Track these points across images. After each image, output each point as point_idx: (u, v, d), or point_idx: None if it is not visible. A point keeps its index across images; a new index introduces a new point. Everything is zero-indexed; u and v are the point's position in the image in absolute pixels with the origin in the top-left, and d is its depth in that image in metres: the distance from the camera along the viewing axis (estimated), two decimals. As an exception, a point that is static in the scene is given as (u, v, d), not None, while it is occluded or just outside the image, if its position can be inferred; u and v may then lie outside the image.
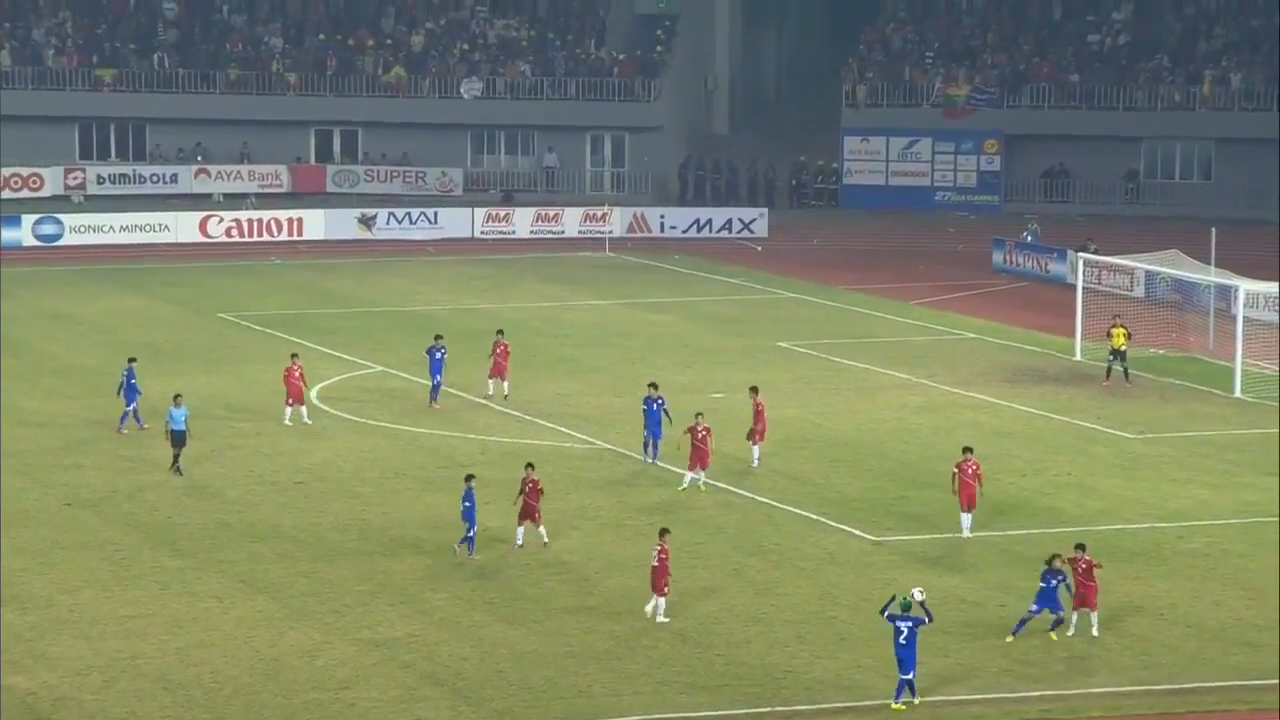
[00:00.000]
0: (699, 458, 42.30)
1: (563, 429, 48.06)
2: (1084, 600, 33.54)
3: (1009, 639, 33.41)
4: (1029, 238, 73.09)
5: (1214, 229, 57.86)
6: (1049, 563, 33.64)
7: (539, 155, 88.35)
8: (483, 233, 79.53)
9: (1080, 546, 33.98)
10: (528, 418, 49.11)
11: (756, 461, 44.17)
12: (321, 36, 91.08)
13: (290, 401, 47.52)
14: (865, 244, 78.87)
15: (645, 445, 44.84)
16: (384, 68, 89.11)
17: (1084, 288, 58.12)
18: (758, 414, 44.40)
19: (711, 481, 43.00)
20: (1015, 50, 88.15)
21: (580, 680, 31.97)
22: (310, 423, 47.63)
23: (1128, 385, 52.70)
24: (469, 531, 37.66)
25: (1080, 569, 33.58)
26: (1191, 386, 52.98)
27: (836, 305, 65.84)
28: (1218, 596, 35.93)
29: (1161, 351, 55.42)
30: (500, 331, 51.46)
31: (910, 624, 30.93)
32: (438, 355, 49.55)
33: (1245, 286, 54.10)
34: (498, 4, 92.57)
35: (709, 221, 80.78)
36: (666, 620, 34.35)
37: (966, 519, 39.19)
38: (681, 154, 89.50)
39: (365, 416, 48.82)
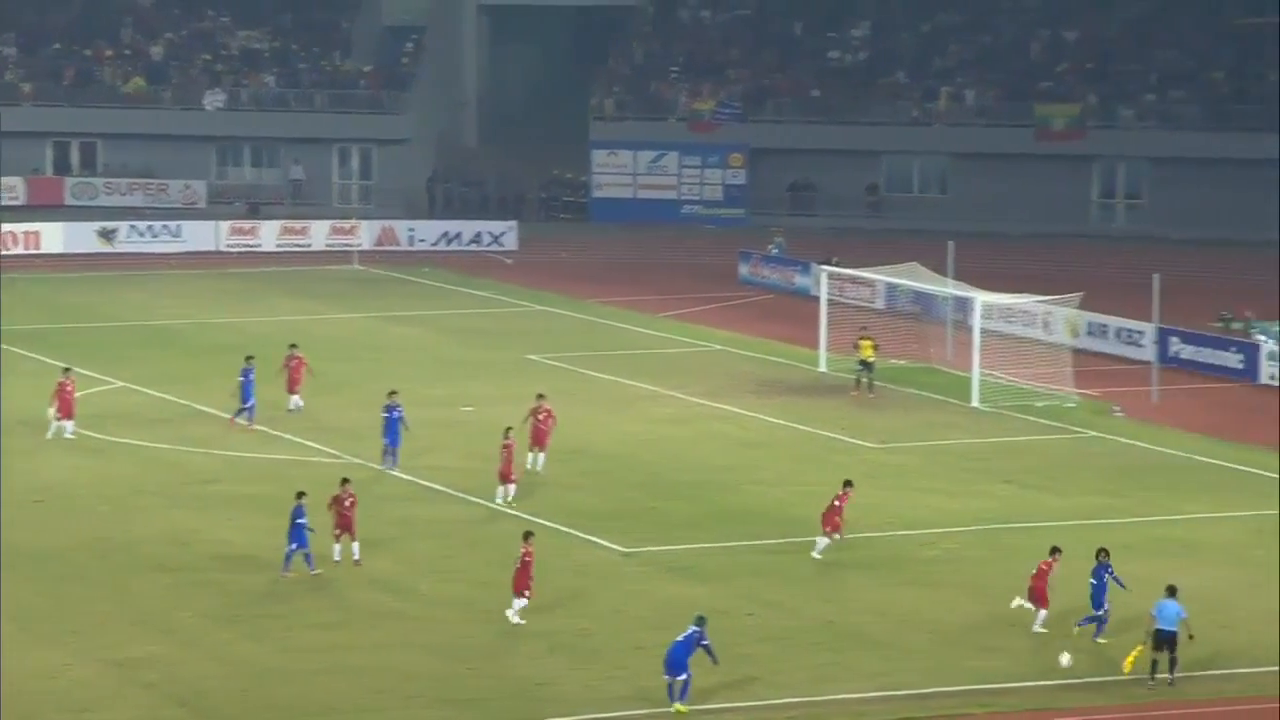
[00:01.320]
0: (505, 472, 42.43)
1: (310, 443, 47.71)
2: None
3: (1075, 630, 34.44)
4: (774, 250, 74.05)
5: (951, 242, 59.13)
6: (1098, 556, 34.61)
7: (285, 168, 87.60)
8: (228, 246, 78.62)
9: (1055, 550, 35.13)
10: (274, 433, 48.67)
11: (540, 467, 44.45)
12: (58, 46, 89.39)
13: (59, 417, 46.87)
14: (614, 257, 79.34)
15: (383, 453, 44.86)
16: (124, 78, 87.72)
17: (827, 300, 59.04)
18: (542, 422, 44.56)
19: (464, 495, 42.97)
20: (758, 65, 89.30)
21: (327, 697, 31.78)
22: (73, 438, 46.88)
23: (871, 396, 53.65)
24: (291, 547, 37.33)
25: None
26: (931, 396, 54.06)
27: (586, 318, 66.16)
28: (956, 602, 36.72)
29: (902, 362, 56.44)
30: (293, 345, 51.05)
31: (697, 632, 31.51)
32: (251, 376, 48.80)
33: (982, 298, 55.31)
34: (240, 15, 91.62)
35: (458, 234, 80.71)
36: (521, 622, 34.61)
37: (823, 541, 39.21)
38: (430, 167, 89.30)
39: (106, 433, 48.05)
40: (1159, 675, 32.50)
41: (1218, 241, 78.91)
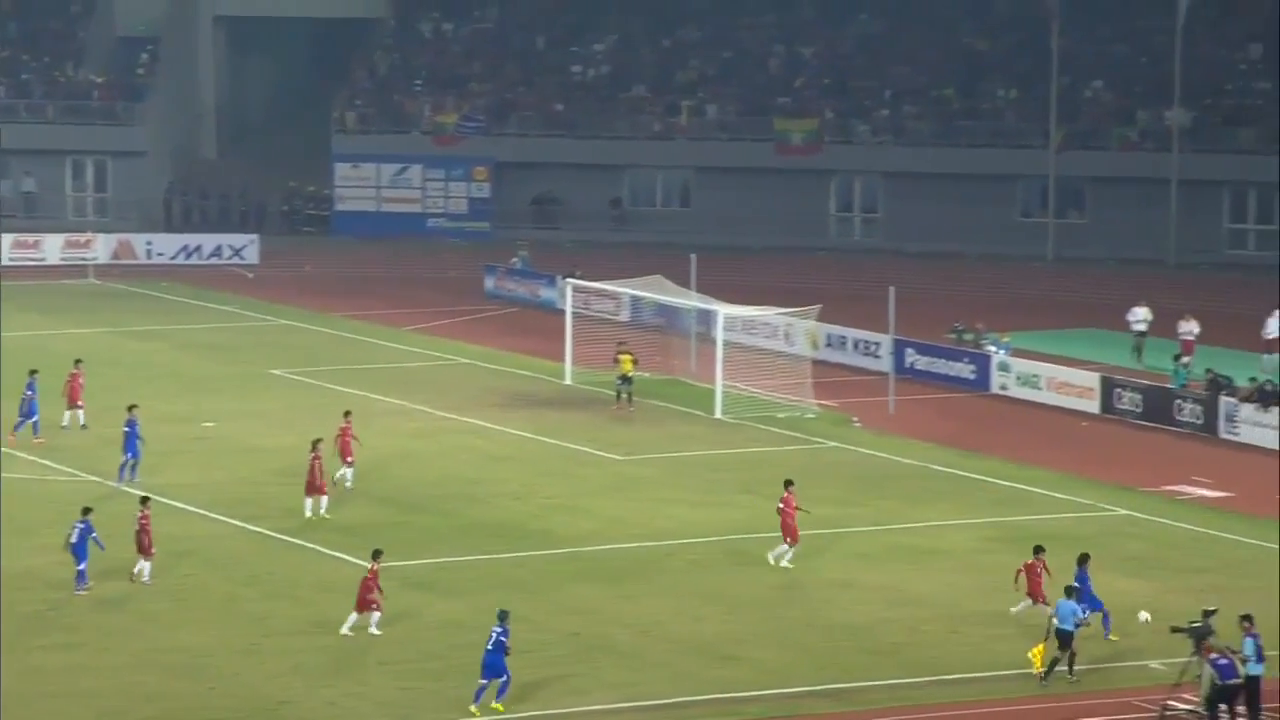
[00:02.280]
0: (314, 488, 42.56)
1: (46, 462, 46.86)
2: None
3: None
4: (519, 264, 74.25)
5: (694, 255, 59.78)
6: (1080, 563, 35.45)
7: (16, 180, 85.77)
8: (-41, 260, 76.87)
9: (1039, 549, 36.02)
10: (8, 450, 47.71)
11: (349, 481, 44.45)
12: None
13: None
14: (358, 270, 78.93)
15: (120, 467, 44.56)
16: None
17: (573, 313, 59.35)
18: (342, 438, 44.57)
19: (204, 513, 42.53)
20: (501, 79, 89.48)
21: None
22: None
23: (631, 409, 53.94)
24: (80, 566, 37.09)
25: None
26: (675, 408, 54.60)
27: (331, 332, 65.77)
28: (700, 612, 37.16)
29: (647, 375, 56.91)
30: (78, 361, 50.65)
31: (500, 630, 31.87)
32: (34, 389, 48.31)
33: (724, 311, 56.01)
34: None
35: (198, 248, 79.76)
36: (377, 632, 34.81)
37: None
38: (167, 179, 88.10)
39: None
40: (1059, 669, 33.43)
41: (950, 254, 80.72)
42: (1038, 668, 33.61)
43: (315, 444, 42.85)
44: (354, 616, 35.27)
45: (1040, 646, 33.71)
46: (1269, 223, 79.80)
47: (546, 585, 38.59)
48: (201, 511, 42.61)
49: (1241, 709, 31.56)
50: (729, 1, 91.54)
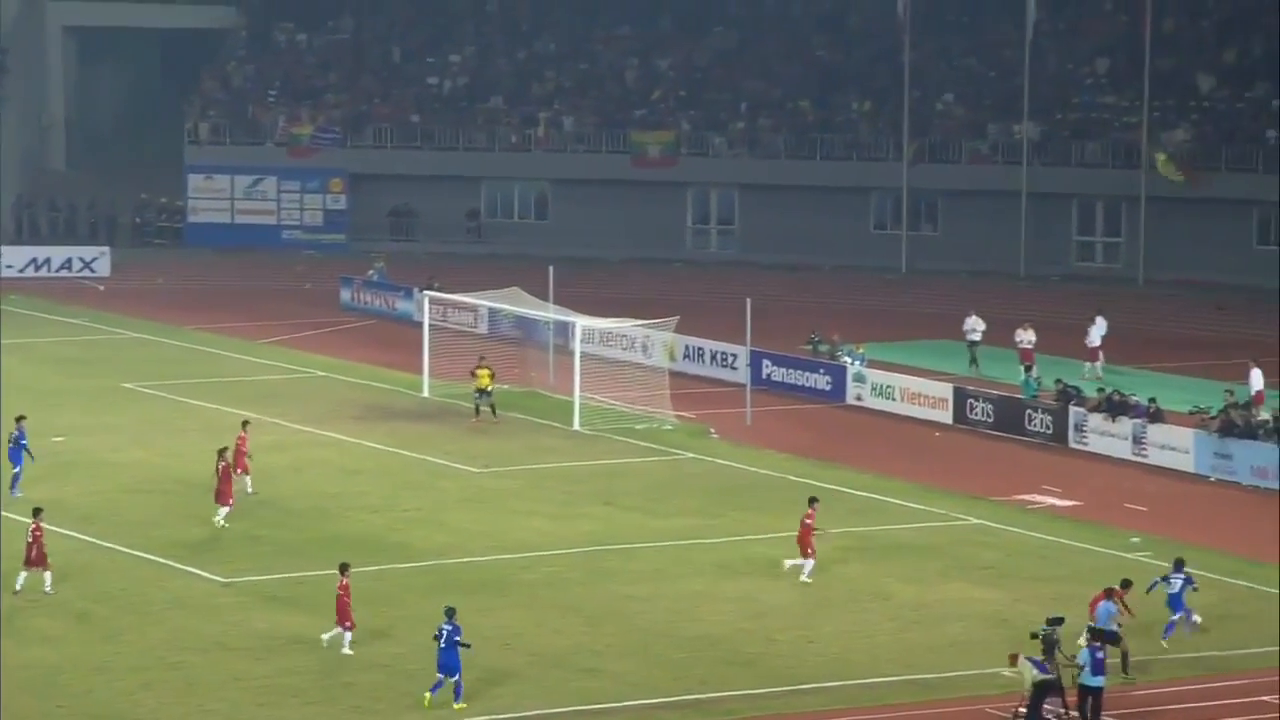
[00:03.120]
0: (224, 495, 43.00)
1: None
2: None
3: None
4: (375, 276, 73.94)
5: (551, 267, 59.85)
6: (1177, 565, 36.31)
7: None
8: None
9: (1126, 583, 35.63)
10: None
11: (249, 488, 44.70)
12: None
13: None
14: (212, 283, 78.29)
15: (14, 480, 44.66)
16: None
17: (430, 325, 59.21)
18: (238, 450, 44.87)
19: (52, 528, 42.02)
20: (357, 90, 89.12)
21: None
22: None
23: (495, 422, 53.78)
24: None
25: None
26: (534, 420, 54.58)
27: (184, 345, 65.19)
28: (559, 625, 37.20)
29: (506, 387, 56.85)
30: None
31: (450, 628, 32.37)
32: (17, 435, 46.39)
33: (581, 322, 56.10)
34: None
35: (47, 260, 78.77)
36: (350, 653, 34.56)
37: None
38: (15, 190, 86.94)
39: None
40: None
41: (806, 266, 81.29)
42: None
43: (221, 453, 43.28)
44: (336, 630, 35.16)
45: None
46: (1115, 235, 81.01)
47: (405, 598, 38.47)
48: (51, 527, 42.03)
49: (1062, 710, 31.98)
50: (585, 14, 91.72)
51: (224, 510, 43.06)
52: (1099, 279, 78.43)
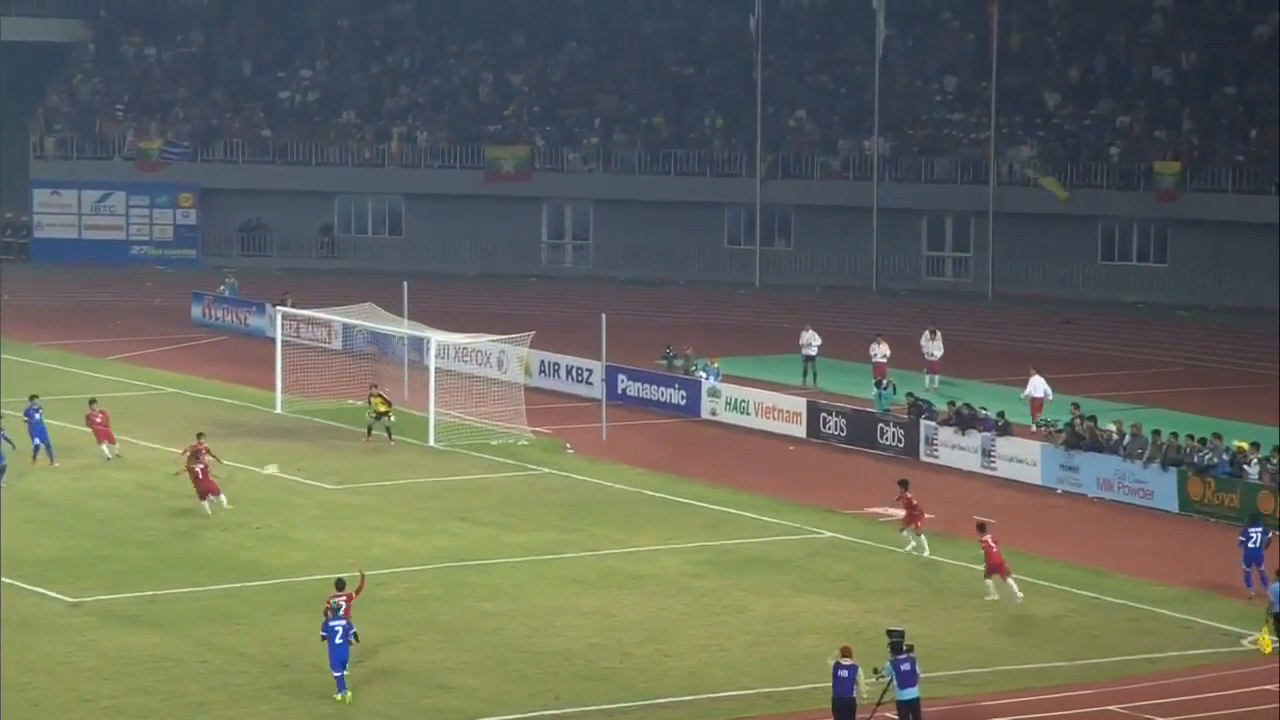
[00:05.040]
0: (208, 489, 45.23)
1: None
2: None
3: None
4: (227, 291, 73.38)
5: (406, 282, 59.63)
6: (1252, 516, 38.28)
7: None
8: None
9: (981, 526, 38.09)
10: None
11: (226, 503, 45.44)
12: None
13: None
14: (60, 299, 77.35)
15: (35, 451, 48.32)
16: None
17: (283, 340, 58.81)
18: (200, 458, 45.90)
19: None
20: (207, 104, 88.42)
21: None
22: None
23: (393, 444, 53.31)
24: None
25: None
26: (396, 438, 54.26)
27: (30, 361, 64.32)
28: (415, 641, 37.06)
29: (360, 403, 56.54)
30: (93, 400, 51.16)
31: (344, 624, 33.55)
32: (36, 415, 49.09)
33: (436, 338, 55.96)
34: None
35: (-113, 277, 77.54)
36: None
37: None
38: None
39: None
40: None
41: (661, 281, 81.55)
42: (1268, 652, 34.39)
43: (193, 454, 45.54)
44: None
45: (1265, 631, 34.58)
46: (965, 250, 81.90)
47: (257, 616, 38.17)
48: None
49: None
50: (438, 29, 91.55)
51: (217, 499, 45.16)
52: (949, 293, 79.27)
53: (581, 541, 44.34)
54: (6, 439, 48.58)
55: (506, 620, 38.37)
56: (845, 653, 31.87)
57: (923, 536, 43.18)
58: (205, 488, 45.56)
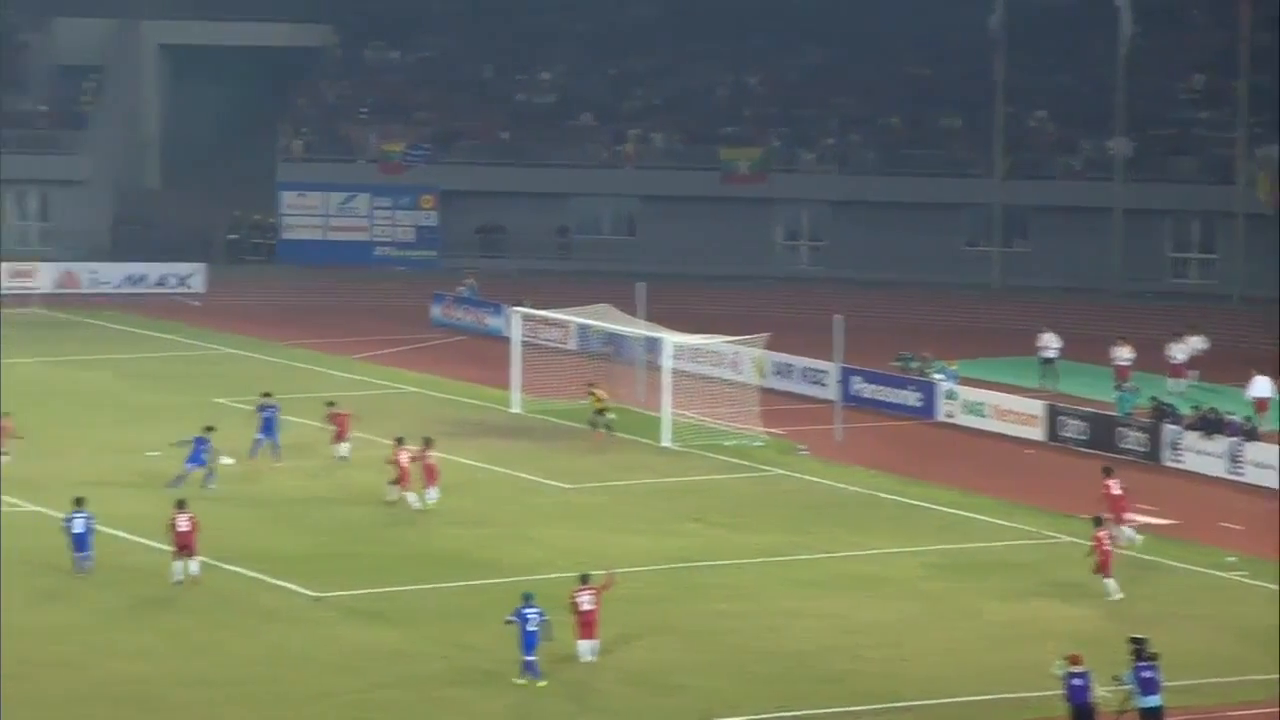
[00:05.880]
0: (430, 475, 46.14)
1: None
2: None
3: None
4: (466, 292, 74.23)
5: (641, 283, 59.87)
6: None
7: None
8: (-99, 290, 76.48)
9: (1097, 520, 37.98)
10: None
11: (432, 497, 46.27)
12: None
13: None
14: (305, 299, 78.79)
15: (254, 445, 49.29)
16: None
17: (520, 341, 59.33)
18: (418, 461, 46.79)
19: (145, 542, 42.34)
20: (447, 107, 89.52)
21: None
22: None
23: (611, 440, 53.53)
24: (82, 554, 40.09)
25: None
26: (623, 436, 54.54)
27: (277, 360, 65.60)
28: (648, 642, 37.15)
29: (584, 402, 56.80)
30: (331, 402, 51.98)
31: (538, 612, 34.03)
32: (267, 415, 50.02)
33: (671, 339, 56.08)
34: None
35: (143, 277, 79.52)
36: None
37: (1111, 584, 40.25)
38: (112, 208, 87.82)
39: None
40: None
41: (896, 283, 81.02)
42: None
43: (399, 442, 46.50)
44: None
45: None
46: (1210, 252, 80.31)
47: (495, 614, 38.41)
48: (146, 542, 42.43)
49: None
50: (676, 31, 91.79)
51: (423, 493, 46.04)
52: (1194, 296, 77.77)
53: (815, 543, 44.18)
54: (209, 449, 48.18)
55: (740, 621, 38.34)
56: (1074, 660, 31.45)
57: (1126, 529, 42.30)
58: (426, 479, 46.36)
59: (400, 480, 46.14)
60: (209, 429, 47.81)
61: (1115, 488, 43.33)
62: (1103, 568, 39.67)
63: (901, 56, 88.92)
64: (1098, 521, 40.54)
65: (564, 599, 35.77)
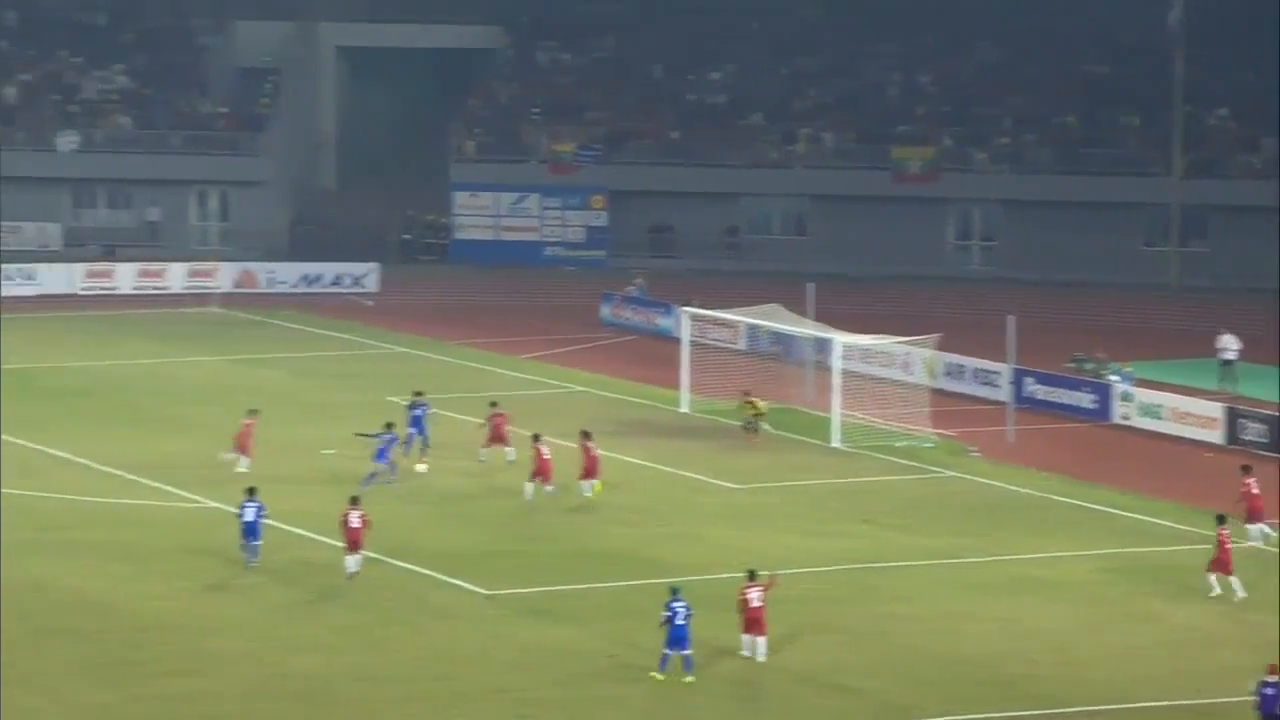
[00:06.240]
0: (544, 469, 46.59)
1: (171, 488, 47.32)
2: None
3: None
4: (635, 292, 74.33)
5: (811, 283, 59.61)
6: None
7: (141, 210, 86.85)
8: (83, 289, 77.86)
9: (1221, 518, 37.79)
10: (134, 477, 48.24)
11: (589, 491, 46.84)
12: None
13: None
14: (476, 299, 79.30)
15: (408, 443, 49.02)
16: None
17: (689, 341, 59.29)
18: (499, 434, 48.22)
19: (319, 538, 42.76)
20: (618, 108, 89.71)
21: (187, 745, 31.55)
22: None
23: (757, 440, 53.47)
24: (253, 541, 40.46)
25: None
26: (792, 437, 54.39)
27: (447, 359, 66.08)
28: (816, 642, 36.96)
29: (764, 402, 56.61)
30: (495, 404, 51.32)
31: (684, 605, 33.99)
32: (418, 412, 50.16)
33: (841, 339, 55.79)
34: (94, 55, 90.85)
35: (319, 276, 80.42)
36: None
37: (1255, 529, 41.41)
38: (289, 208, 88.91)
39: (-39, 479, 47.39)
40: None
41: (1070, 283, 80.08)
42: None
43: (536, 437, 46.95)
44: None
45: None
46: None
47: (659, 613, 38.43)
48: (319, 538, 42.87)
49: None
50: (848, 30, 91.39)
51: (541, 486, 46.34)
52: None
53: (986, 546, 43.74)
54: (395, 444, 48.76)
55: (909, 624, 38.03)
56: (1271, 670, 30.85)
57: (1262, 526, 41.35)
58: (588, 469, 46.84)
59: (538, 474, 46.33)
60: (389, 425, 48.26)
61: (1254, 486, 42.61)
62: (1222, 565, 38.92)
63: (1077, 54, 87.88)
64: (1221, 519, 39.86)
65: (731, 599, 35.66)
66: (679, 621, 34.06)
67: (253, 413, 49.31)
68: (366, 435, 48.35)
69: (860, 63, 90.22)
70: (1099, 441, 55.07)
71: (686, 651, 34.16)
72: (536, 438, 47.46)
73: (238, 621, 37.43)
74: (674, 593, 34.55)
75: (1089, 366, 61.01)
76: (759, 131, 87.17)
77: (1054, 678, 35.00)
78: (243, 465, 47.81)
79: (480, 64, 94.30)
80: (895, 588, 40.49)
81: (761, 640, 35.36)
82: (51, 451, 50.48)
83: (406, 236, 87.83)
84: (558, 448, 48.57)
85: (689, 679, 33.84)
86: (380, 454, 47.64)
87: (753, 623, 35.36)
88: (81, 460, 49.56)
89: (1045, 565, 42.19)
